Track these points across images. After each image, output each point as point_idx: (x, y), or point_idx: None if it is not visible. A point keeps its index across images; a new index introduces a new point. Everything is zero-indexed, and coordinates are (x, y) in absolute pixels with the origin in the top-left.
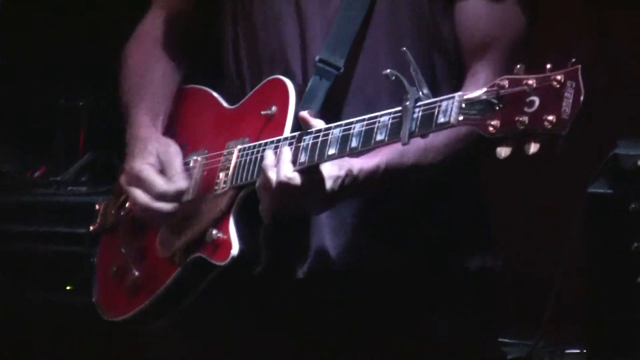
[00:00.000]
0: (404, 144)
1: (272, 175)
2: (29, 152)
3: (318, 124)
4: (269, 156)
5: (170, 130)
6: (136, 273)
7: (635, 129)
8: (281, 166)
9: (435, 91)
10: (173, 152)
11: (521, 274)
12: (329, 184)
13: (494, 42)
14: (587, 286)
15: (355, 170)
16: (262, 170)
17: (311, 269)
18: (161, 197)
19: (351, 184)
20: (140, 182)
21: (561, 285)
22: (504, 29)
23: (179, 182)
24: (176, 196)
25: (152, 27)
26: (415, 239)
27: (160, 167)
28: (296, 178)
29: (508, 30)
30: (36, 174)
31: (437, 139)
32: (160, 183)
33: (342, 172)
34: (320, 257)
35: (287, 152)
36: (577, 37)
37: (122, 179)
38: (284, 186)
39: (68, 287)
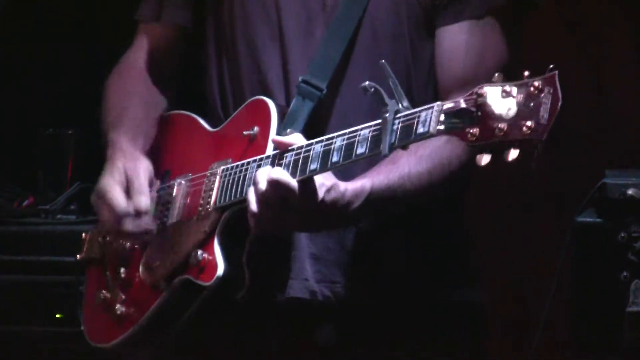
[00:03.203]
0: (384, 156)
1: (263, 177)
2: (16, 181)
3: (293, 138)
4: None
5: (155, 156)
6: (123, 299)
7: (623, 158)
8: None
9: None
10: (141, 167)
11: (506, 306)
12: (321, 193)
13: (474, 72)
14: (575, 316)
15: (341, 187)
16: (253, 183)
17: (291, 295)
18: (123, 216)
19: (337, 200)
20: (105, 201)
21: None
22: (485, 58)
23: (138, 200)
24: (137, 215)
25: (134, 58)
26: (396, 271)
27: (126, 184)
28: (286, 177)
29: (488, 59)
30: (24, 204)
31: (420, 165)
32: (119, 202)
33: (329, 183)
34: (301, 282)
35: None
36: (562, 66)
37: (92, 198)
38: (274, 187)
39: (58, 316)
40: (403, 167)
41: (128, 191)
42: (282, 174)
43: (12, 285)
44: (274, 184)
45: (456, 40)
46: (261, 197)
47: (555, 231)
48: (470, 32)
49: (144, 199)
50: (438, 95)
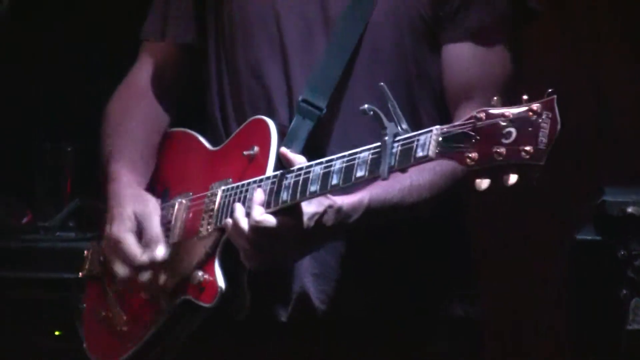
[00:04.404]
0: (383, 179)
1: (244, 224)
2: (15, 197)
3: (298, 159)
4: (238, 208)
5: (155, 174)
6: (124, 317)
7: (622, 176)
8: (252, 211)
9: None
10: (151, 211)
11: (504, 322)
12: (305, 221)
13: (480, 85)
14: (575, 333)
15: (337, 204)
16: (233, 222)
17: (294, 314)
18: (139, 268)
19: (332, 218)
20: (119, 253)
21: None
22: (490, 72)
23: (156, 251)
24: (154, 264)
25: (137, 77)
26: (397, 286)
27: (137, 229)
28: (268, 220)
29: (494, 72)
30: (23, 220)
31: (422, 177)
32: (135, 254)
33: (321, 209)
34: (302, 301)
35: (258, 195)
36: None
37: (104, 244)
38: (257, 230)
39: (57, 333)
40: (404, 179)
41: (140, 237)
42: (259, 219)
43: (11, 301)
44: (256, 230)
45: (462, 54)
46: (246, 239)
47: (555, 249)
48: (476, 46)
49: (161, 249)
50: (447, 108)
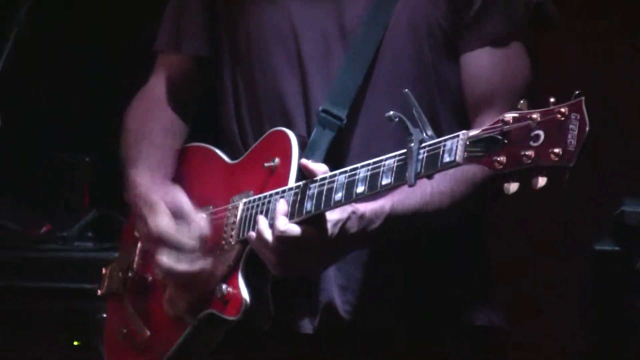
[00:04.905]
0: (410, 186)
1: (268, 236)
2: (34, 208)
3: (320, 168)
4: (261, 220)
5: None
6: (147, 333)
7: None
8: (275, 222)
9: None
10: (176, 193)
11: (522, 333)
12: (329, 229)
13: (500, 93)
14: (593, 343)
15: (359, 212)
16: (257, 234)
17: (320, 325)
18: (192, 251)
19: (355, 225)
20: (165, 244)
21: None
22: (509, 79)
23: (199, 226)
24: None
25: (153, 89)
26: (421, 296)
27: (171, 215)
28: (292, 229)
29: (513, 79)
30: (42, 230)
31: (443, 184)
32: (185, 242)
33: (344, 215)
34: (329, 313)
35: (281, 205)
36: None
37: (144, 242)
38: (282, 240)
39: (75, 343)
40: (425, 186)
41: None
42: (282, 229)
43: (30, 311)
44: (280, 240)
45: (481, 62)
46: (271, 250)
47: (573, 259)
48: (494, 54)
49: (203, 222)
50: (466, 117)
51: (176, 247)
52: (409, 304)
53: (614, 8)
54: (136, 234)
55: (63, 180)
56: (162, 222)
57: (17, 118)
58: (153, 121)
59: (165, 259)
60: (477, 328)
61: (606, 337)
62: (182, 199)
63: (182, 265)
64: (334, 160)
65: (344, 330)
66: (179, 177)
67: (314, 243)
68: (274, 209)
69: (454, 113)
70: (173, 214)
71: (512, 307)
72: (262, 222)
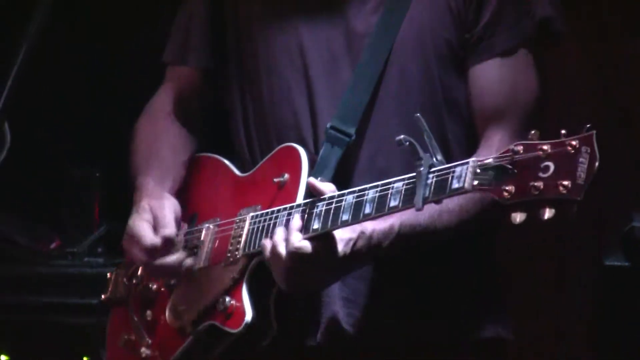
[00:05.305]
0: (417, 210)
1: (282, 249)
2: (43, 223)
3: (327, 187)
4: (279, 232)
5: (182, 198)
6: (149, 342)
7: None
8: (290, 237)
9: (448, 158)
10: (166, 204)
11: (531, 347)
12: (341, 247)
13: (509, 107)
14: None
15: (368, 231)
16: (272, 245)
17: (323, 338)
18: (153, 250)
19: (364, 245)
20: (133, 239)
21: None
22: (519, 93)
23: (163, 232)
24: (165, 246)
25: (162, 102)
26: (426, 310)
27: (154, 222)
28: (306, 246)
29: (522, 94)
30: (52, 246)
31: (452, 201)
32: (146, 236)
33: (355, 235)
34: (332, 325)
35: (296, 221)
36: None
37: (123, 240)
38: (295, 256)
39: (85, 358)
40: (433, 205)
41: (155, 228)
42: (297, 245)
43: (40, 326)
44: (294, 256)
45: (490, 74)
46: (283, 263)
47: (583, 274)
48: (502, 67)
49: (168, 230)
50: (474, 131)
51: (139, 243)
52: (413, 317)
53: (614, 8)
54: None
55: (73, 195)
56: (137, 222)
57: (25, 132)
58: (162, 133)
59: (135, 253)
60: (484, 341)
61: (617, 353)
62: (167, 209)
63: (153, 258)
64: (341, 175)
65: (347, 343)
66: (188, 187)
67: (325, 260)
68: (282, 225)
69: (461, 127)
70: (154, 220)
71: (520, 323)
72: (279, 235)
